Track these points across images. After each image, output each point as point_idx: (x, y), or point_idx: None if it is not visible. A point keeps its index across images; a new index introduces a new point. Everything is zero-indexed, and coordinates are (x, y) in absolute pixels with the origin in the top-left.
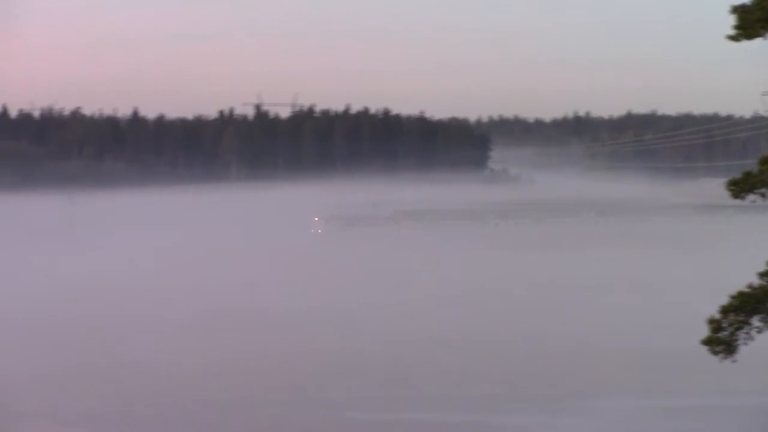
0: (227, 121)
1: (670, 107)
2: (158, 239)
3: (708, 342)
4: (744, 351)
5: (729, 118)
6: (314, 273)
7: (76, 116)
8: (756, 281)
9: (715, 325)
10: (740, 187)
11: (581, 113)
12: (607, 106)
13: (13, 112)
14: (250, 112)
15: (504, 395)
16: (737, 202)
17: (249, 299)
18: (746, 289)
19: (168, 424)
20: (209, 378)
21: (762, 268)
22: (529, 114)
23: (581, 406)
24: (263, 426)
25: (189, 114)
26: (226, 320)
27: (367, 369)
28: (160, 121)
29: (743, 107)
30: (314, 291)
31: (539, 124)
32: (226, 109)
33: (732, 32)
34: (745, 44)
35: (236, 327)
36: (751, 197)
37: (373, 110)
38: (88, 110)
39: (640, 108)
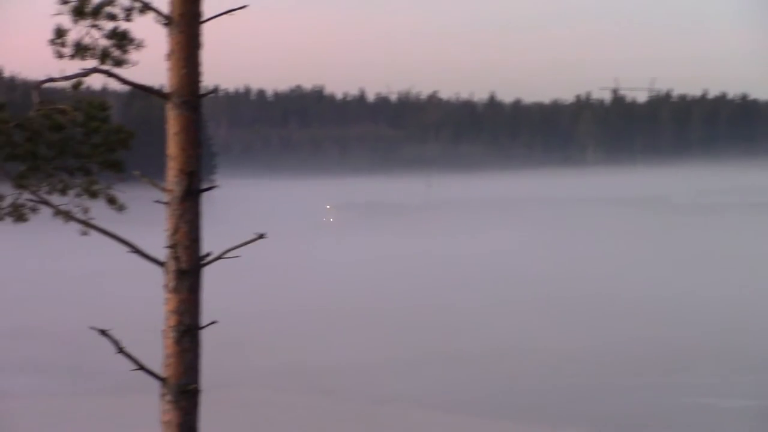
0: (584, 106)
1: None
2: (517, 224)
3: None
4: None
5: None
6: (679, 258)
7: (433, 100)
8: None
9: None
10: None
11: None
12: None
13: (370, 96)
14: (607, 97)
15: None
16: None
17: (611, 285)
18: None
19: (526, 408)
20: (567, 363)
21: None
22: None
23: None
24: (628, 410)
25: (545, 98)
26: (581, 306)
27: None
28: (517, 105)
29: None
30: (683, 277)
31: None
32: (582, 93)
33: None
34: None
35: (590, 313)
36: None
37: (730, 95)
38: (444, 94)
39: None
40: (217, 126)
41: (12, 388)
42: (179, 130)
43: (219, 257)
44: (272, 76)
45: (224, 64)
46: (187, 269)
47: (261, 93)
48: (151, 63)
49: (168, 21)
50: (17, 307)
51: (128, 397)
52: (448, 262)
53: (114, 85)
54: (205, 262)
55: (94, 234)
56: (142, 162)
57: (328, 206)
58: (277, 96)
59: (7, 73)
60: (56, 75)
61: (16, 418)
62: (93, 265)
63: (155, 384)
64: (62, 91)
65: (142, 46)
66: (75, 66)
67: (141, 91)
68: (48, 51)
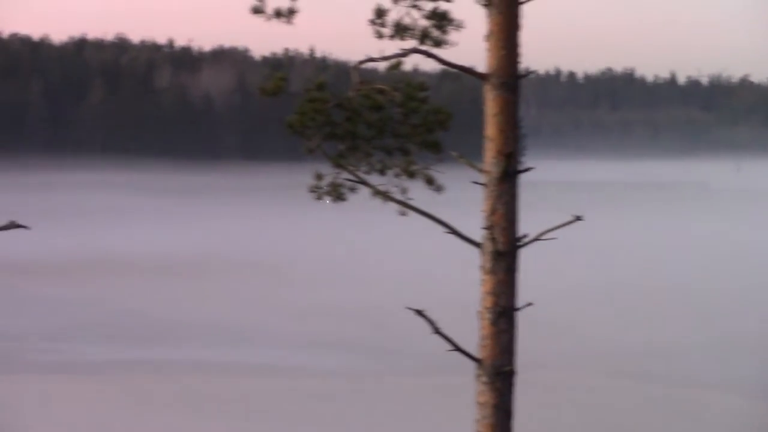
0: None
1: None
2: None
3: None
4: None
5: None
6: None
7: (745, 84)
8: None
9: None
10: None
11: None
12: None
13: (681, 79)
14: None
15: None
16: None
17: None
18: None
19: None
20: None
21: None
22: None
23: None
24: None
25: None
26: None
27: None
28: None
29: None
30: None
31: None
32: None
33: None
34: None
35: None
36: None
37: None
38: (756, 78)
39: None
40: (526, 107)
41: (324, 366)
42: (498, 111)
43: (536, 239)
44: (583, 58)
45: (535, 46)
46: (504, 250)
47: (571, 75)
48: (464, 43)
49: (488, 2)
50: (328, 286)
51: (439, 377)
52: (756, 247)
53: (424, 66)
54: (521, 243)
55: (411, 214)
56: (451, 143)
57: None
58: (588, 78)
59: (318, 54)
60: (373, 55)
61: (327, 397)
62: (409, 246)
63: (467, 365)
64: (374, 71)
65: (462, 27)
66: (393, 46)
67: (451, 72)
68: (358, 31)
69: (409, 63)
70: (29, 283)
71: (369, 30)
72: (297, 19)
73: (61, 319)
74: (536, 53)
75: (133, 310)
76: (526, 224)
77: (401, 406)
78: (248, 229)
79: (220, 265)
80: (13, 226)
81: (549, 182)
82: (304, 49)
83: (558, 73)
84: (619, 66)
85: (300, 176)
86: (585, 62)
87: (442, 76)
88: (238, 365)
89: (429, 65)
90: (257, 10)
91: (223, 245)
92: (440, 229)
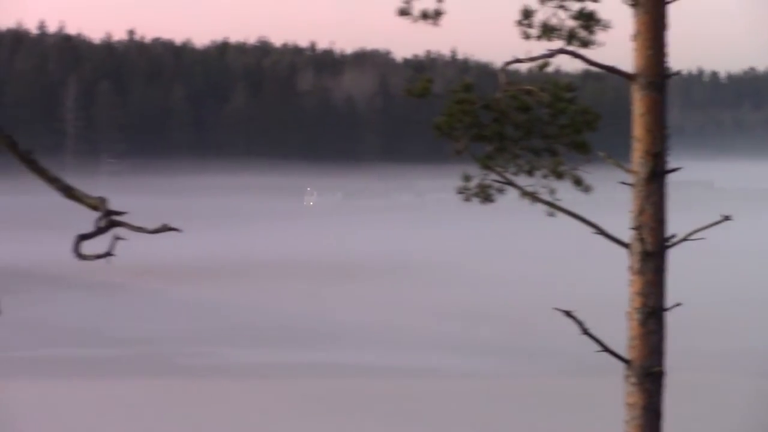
0: None
1: None
2: None
3: None
4: None
5: None
6: None
7: None
8: None
9: None
10: None
11: None
12: None
13: None
14: None
15: None
16: None
17: None
18: None
19: None
20: None
21: None
22: None
23: None
24: None
25: None
26: None
27: None
28: None
29: None
30: None
31: None
32: None
33: None
34: None
35: None
36: None
37: None
38: None
39: None
40: (669, 107)
41: (472, 368)
42: (645, 111)
43: (684, 239)
44: (725, 58)
45: (678, 46)
46: (653, 251)
47: (714, 75)
48: (608, 43)
49: (635, 2)
50: (476, 287)
51: (586, 378)
52: None
53: (566, 66)
54: (670, 243)
55: (559, 215)
56: (595, 143)
57: None
58: (731, 78)
59: (460, 55)
60: (518, 56)
61: (477, 399)
62: (557, 246)
63: (615, 366)
64: (516, 72)
65: (609, 27)
66: (538, 47)
67: (595, 72)
68: (501, 31)
69: (551, 63)
70: (178, 287)
71: (513, 31)
72: (440, 20)
73: (210, 323)
74: (678, 53)
75: (282, 313)
76: (673, 224)
77: (549, 407)
78: (393, 232)
79: (368, 268)
80: (165, 229)
81: (693, 182)
82: (445, 51)
83: (700, 72)
84: (762, 65)
85: (443, 179)
86: (727, 62)
87: (585, 76)
88: (384, 368)
89: (572, 66)
90: (404, 12)
91: (370, 248)
92: (588, 229)
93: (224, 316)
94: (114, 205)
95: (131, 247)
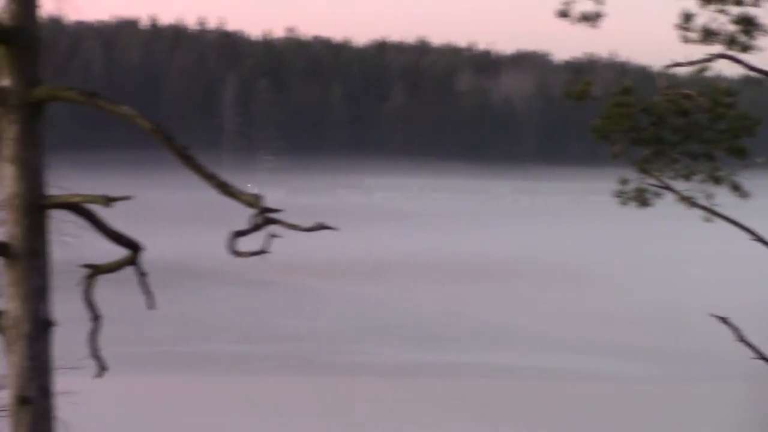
0: None
1: None
2: None
3: None
4: None
5: None
6: None
7: None
8: None
9: None
10: None
11: None
12: None
13: None
14: None
15: None
16: None
17: None
18: None
19: None
20: None
21: None
22: None
23: None
24: None
25: None
26: None
27: None
28: None
29: None
30: None
31: None
32: None
33: None
34: None
35: None
36: None
37: None
38: None
39: None
40: None
41: (620, 372)
42: None
43: None
44: None
45: None
46: None
47: None
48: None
49: None
50: (632, 292)
51: (740, 385)
52: None
53: (726, 70)
54: None
55: (716, 220)
56: (753, 149)
57: None
58: None
59: (618, 58)
60: (676, 59)
61: (631, 402)
62: (713, 252)
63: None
64: (673, 76)
65: None
66: (696, 51)
67: (754, 77)
68: (660, 34)
69: (711, 67)
70: (332, 285)
71: (673, 34)
72: (599, 22)
73: (361, 321)
74: None
75: (429, 312)
76: None
77: (700, 412)
78: (552, 233)
79: (527, 269)
80: (320, 227)
81: None
82: (604, 54)
83: None
84: None
85: (599, 181)
86: None
87: (744, 81)
88: (540, 369)
89: (730, 70)
90: (563, 14)
91: (528, 249)
92: (745, 236)
93: (374, 314)
94: (269, 201)
95: (287, 244)
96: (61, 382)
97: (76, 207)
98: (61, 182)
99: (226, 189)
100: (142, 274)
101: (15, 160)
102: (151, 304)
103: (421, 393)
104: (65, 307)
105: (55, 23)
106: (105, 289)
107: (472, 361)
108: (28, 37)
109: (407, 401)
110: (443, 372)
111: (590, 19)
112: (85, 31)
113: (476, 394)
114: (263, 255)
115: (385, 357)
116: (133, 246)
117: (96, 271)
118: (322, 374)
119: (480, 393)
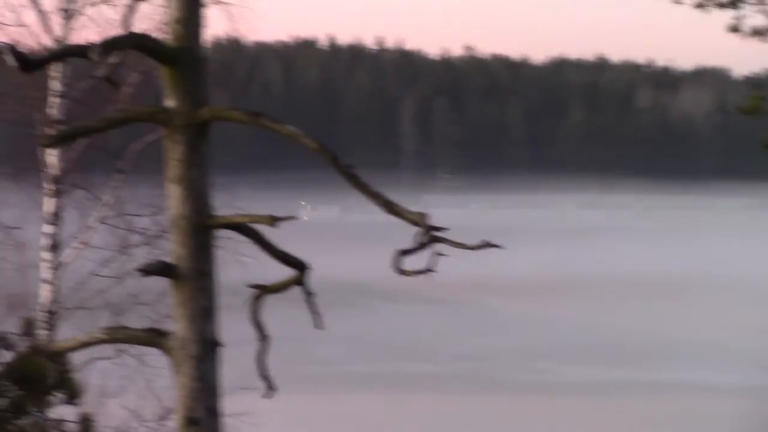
0: None
1: None
2: None
3: None
4: None
5: None
6: None
7: None
8: None
9: None
10: None
11: None
12: None
13: None
14: None
15: None
16: None
17: None
18: None
19: None
20: None
21: None
22: None
23: None
24: None
25: None
26: None
27: None
28: None
29: None
30: None
31: None
32: None
33: None
34: None
35: None
36: None
37: None
38: None
39: None
40: None
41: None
42: None
43: None
44: None
45: None
46: None
47: None
48: None
49: None
50: None
51: None
52: None
53: None
54: None
55: None
56: None
57: None
58: None
59: None
60: None
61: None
62: None
63: None
64: None
65: None
66: None
67: None
68: None
69: None
70: (512, 303)
71: None
72: None
73: (543, 339)
74: None
75: (613, 330)
76: None
77: None
78: (727, 250)
79: (702, 285)
80: (486, 245)
81: None
82: None
83: None
84: None
85: None
86: None
87: None
88: (719, 386)
89: None
90: (734, 29)
91: (703, 265)
92: None
93: (557, 332)
94: (445, 220)
95: (461, 263)
96: (239, 402)
97: (242, 227)
98: (242, 202)
99: (391, 207)
100: (309, 294)
101: (180, 180)
102: (318, 323)
103: (607, 412)
104: (242, 327)
105: (234, 44)
106: (285, 309)
107: (663, 378)
108: (193, 58)
109: (594, 420)
110: (633, 390)
111: (761, 33)
112: (264, 52)
113: (669, 412)
114: (429, 273)
115: (571, 376)
116: (300, 266)
117: (263, 291)
118: (506, 393)
119: (672, 411)
